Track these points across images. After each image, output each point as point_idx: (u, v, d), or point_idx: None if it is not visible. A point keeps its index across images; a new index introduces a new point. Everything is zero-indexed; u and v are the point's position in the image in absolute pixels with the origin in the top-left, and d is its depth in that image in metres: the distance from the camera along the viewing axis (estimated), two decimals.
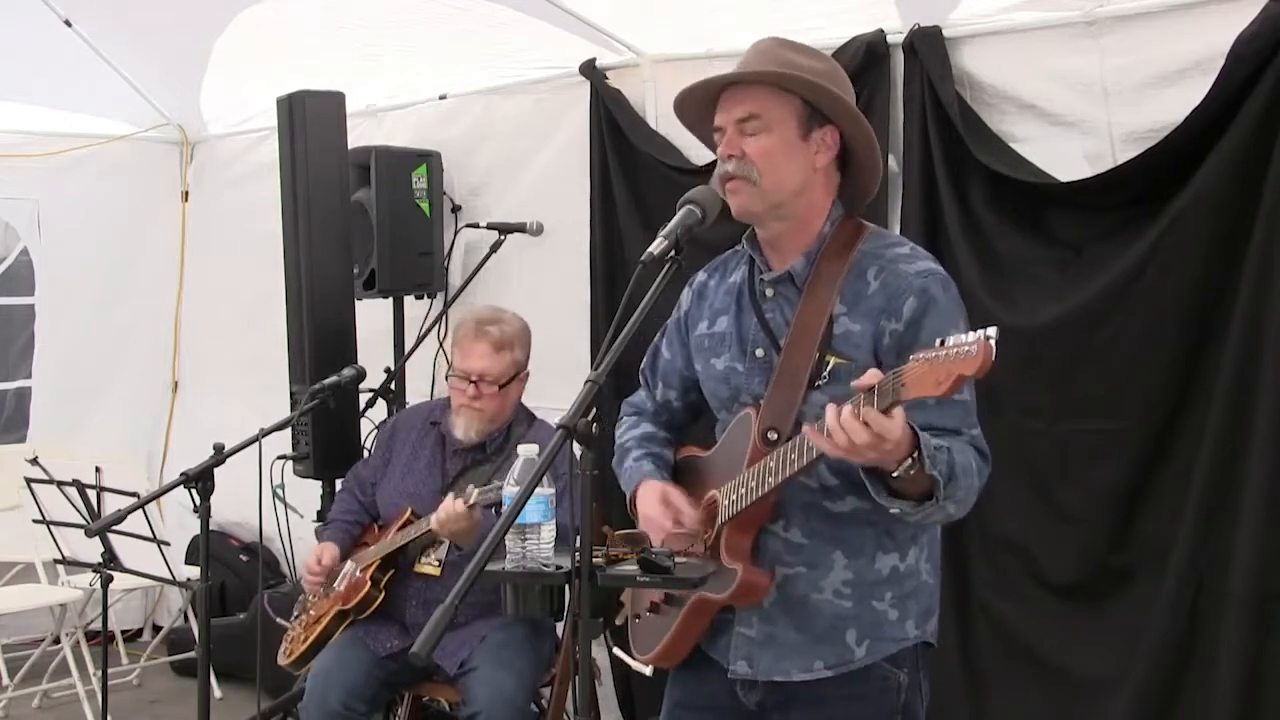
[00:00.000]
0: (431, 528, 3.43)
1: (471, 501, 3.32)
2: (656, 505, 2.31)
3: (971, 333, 1.77)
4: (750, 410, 2.25)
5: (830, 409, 1.92)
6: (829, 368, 2.16)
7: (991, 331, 1.75)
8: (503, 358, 3.58)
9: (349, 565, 3.69)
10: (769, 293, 2.28)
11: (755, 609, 2.26)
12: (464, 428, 3.63)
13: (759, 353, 2.27)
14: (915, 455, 1.94)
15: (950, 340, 1.79)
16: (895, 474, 1.97)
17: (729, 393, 2.33)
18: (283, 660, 3.77)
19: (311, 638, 3.68)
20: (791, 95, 2.21)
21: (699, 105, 2.32)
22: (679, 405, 2.54)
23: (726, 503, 2.23)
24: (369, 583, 3.58)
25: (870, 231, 2.29)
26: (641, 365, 2.58)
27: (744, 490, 2.18)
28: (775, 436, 2.17)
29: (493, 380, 3.57)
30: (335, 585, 3.69)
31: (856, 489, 2.17)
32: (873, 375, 1.90)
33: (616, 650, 2.44)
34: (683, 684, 2.42)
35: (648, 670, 2.42)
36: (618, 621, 2.49)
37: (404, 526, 3.58)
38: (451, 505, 3.35)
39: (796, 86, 2.20)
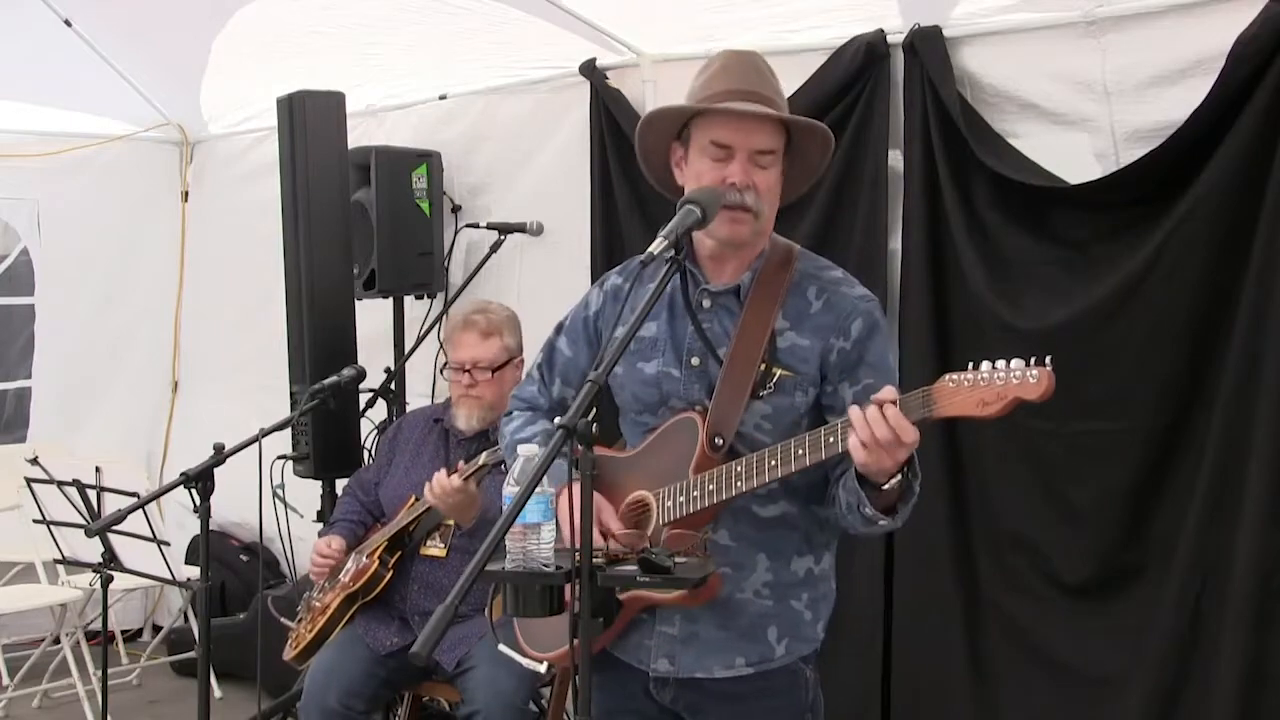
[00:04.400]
0: (427, 500, 3.47)
1: (466, 475, 3.37)
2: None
3: (1016, 359, 1.89)
4: (693, 415, 2.28)
5: (855, 411, 2.00)
6: (775, 379, 2.24)
7: (1048, 360, 1.88)
8: (491, 343, 3.65)
9: (352, 559, 3.70)
10: (706, 304, 2.33)
11: (679, 608, 2.29)
12: (465, 417, 3.69)
13: (694, 361, 2.31)
14: (904, 472, 2.05)
15: (985, 365, 1.90)
16: (885, 486, 2.05)
17: (658, 397, 2.36)
18: (288, 654, 3.77)
19: (318, 627, 3.68)
20: (783, 131, 2.26)
21: (677, 116, 2.31)
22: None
23: (671, 504, 2.25)
24: (376, 562, 3.61)
25: (799, 251, 2.37)
26: (536, 362, 2.60)
27: (696, 494, 2.22)
28: (720, 443, 2.23)
29: (486, 366, 3.64)
30: (340, 577, 3.70)
31: (790, 494, 2.28)
32: (890, 391, 1.99)
33: (502, 647, 2.42)
34: (608, 690, 2.42)
35: (541, 668, 2.41)
36: (495, 617, 2.46)
37: (411, 506, 3.61)
38: (441, 477, 3.40)
39: (814, 137, 2.28)
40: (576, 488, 2.32)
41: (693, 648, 2.31)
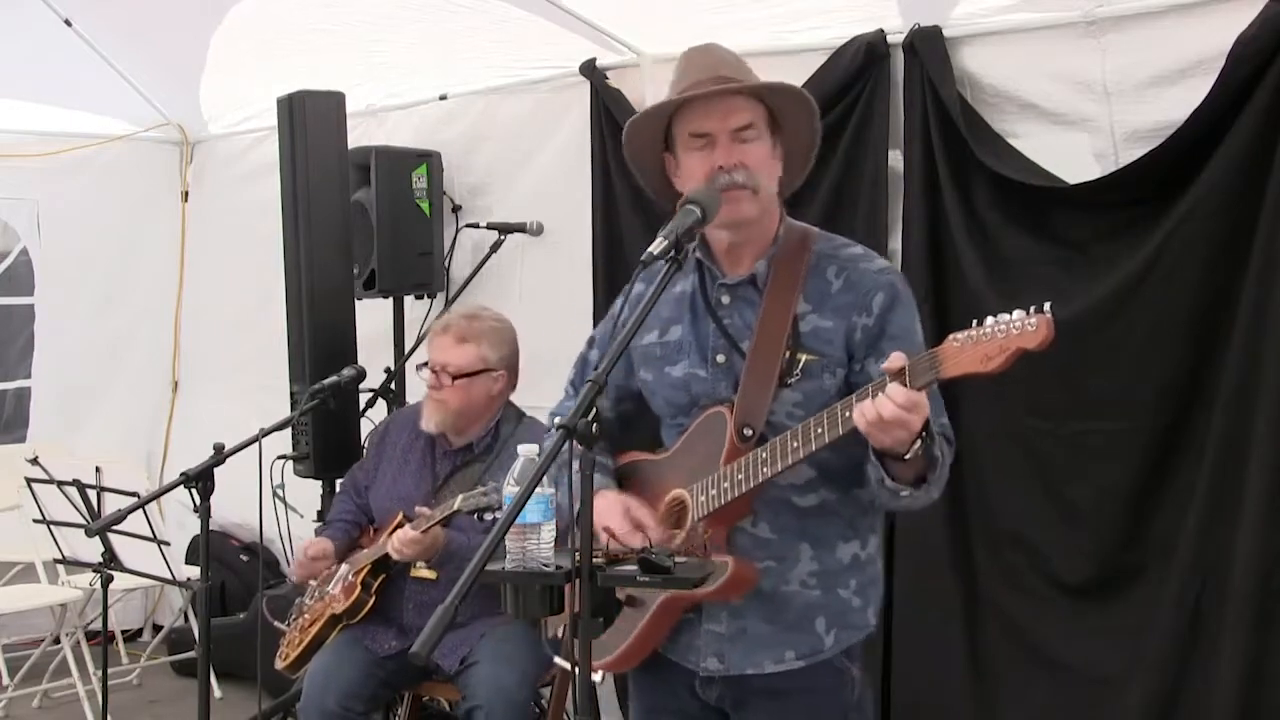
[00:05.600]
0: (389, 554, 3.46)
1: (423, 529, 3.36)
2: (619, 518, 2.31)
3: (1017, 310, 1.86)
4: (723, 409, 2.27)
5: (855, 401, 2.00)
6: (801, 365, 2.23)
7: (1047, 306, 1.83)
8: (464, 350, 3.58)
9: (343, 568, 3.69)
10: (725, 299, 2.32)
11: (724, 605, 2.29)
12: (427, 417, 3.64)
13: (720, 359, 2.31)
14: (922, 437, 2.00)
15: (989, 320, 1.87)
16: (906, 456, 2.01)
17: (688, 399, 2.36)
18: (279, 664, 3.77)
19: (306, 641, 3.67)
20: (761, 106, 2.25)
21: (655, 124, 2.32)
22: (612, 415, 2.55)
23: (704, 498, 2.25)
24: (359, 587, 3.58)
25: (816, 233, 2.36)
26: (570, 377, 2.60)
27: (726, 485, 2.21)
28: (750, 434, 2.21)
29: (452, 371, 3.57)
30: (330, 588, 3.69)
31: (829, 481, 2.26)
32: (899, 358, 1.96)
33: (558, 659, 2.43)
34: (649, 689, 2.44)
35: (598, 677, 2.41)
36: (553, 632, 2.47)
37: (394, 531, 3.57)
38: (402, 534, 3.39)
39: (790, 99, 2.27)
40: (598, 494, 2.36)
41: (741, 644, 2.30)
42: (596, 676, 2.40)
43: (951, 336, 1.92)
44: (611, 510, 2.32)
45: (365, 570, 3.60)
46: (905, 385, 1.93)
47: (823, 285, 2.27)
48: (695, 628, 2.33)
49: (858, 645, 2.34)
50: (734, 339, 2.29)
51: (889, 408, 1.94)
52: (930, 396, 2.17)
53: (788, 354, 2.22)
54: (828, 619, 2.30)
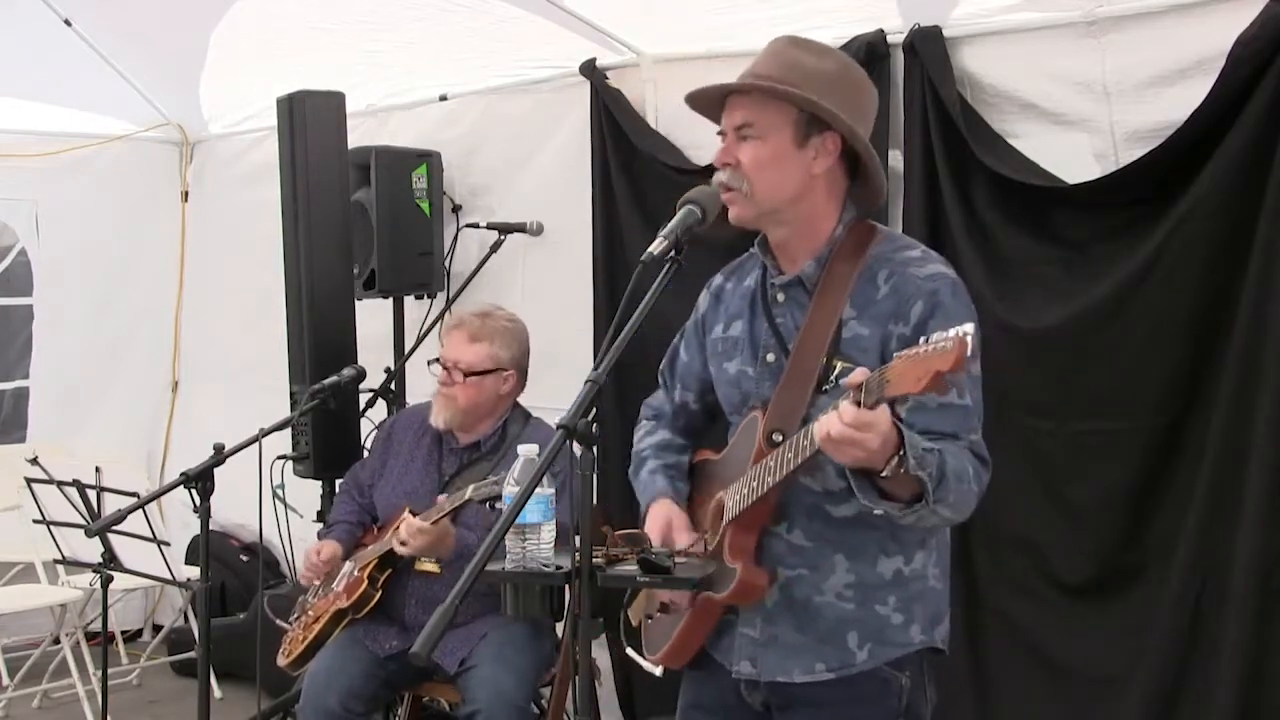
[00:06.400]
0: (395, 548, 3.45)
1: (433, 519, 3.36)
2: (656, 533, 2.33)
3: (952, 329, 1.76)
4: (757, 412, 2.25)
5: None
6: (836, 372, 2.15)
7: (968, 328, 1.75)
8: (477, 348, 3.60)
9: (348, 565, 3.69)
10: (780, 297, 2.29)
11: (759, 610, 2.27)
12: (436, 413, 3.66)
13: (769, 357, 2.28)
14: (900, 454, 1.93)
15: (934, 337, 1.78)
16: (884, 473, 1.95)
17: (740, 397, 2.34)
18: (282, 661, 3.77)
19: (310, 637, 3.67)
20: (788, 106, 2.20)
21: (709, 106, 2.32)
22: (697, 408, 2.55)
23: (731, 503, 2.24)
24: (365, 581, 3.58)
25: (883, 234, 2.29)
26: (661, 366, 2.60)
27: (746, 490, 2.19)
28: (780, 438, 2.16)
29: (464, 369, 3.59)
30: (334, 585, 3.69)
31: None
32: (861, 373, 1.89)
33: (629, 650, 2.45)
34: (694, 685, 2.43)
35: (657, 670, 2.42)
36: (634, 622, 2.50)
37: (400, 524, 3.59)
38: (410, 523, 3.40)
39: (784, 98, 2.20)
40: (655, 503, 2.39)
41: (772, 651, 2.27)
42: (657, 670, 2.42)
43: (897, 354, 1.84)
44: (654, 524, 2.36)
45: (372, 565, 3.60)
46: (859, 404, 1.86)
47: (870, 291, 2.18)
48: (734, 630, 2.31)
49: (907, 657, 2.25)
50: (784, 339, 2.25)
51: (836, 426, 1.88)
52: (959, 410, 2.14)
53: (825, 360, 2.16)
54: (861, 635, 2.23)
